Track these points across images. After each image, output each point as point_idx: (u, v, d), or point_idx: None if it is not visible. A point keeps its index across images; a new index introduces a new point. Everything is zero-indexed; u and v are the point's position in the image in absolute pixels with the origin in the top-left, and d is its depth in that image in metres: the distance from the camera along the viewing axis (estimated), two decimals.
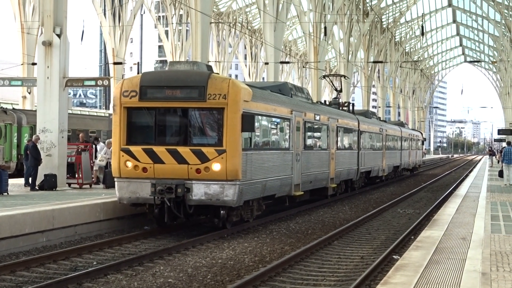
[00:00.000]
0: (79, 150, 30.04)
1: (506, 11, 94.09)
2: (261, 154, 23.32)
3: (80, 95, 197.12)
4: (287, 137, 26.23)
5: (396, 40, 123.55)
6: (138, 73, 56.53)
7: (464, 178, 54.92)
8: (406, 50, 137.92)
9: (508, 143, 41.27)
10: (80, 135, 33.49)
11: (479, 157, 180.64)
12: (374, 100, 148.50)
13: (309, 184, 29.13)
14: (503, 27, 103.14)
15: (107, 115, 58.17)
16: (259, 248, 19.31)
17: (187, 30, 78.21)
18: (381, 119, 62.37)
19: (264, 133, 24.48)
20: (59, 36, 28.72)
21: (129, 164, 21.07)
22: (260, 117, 23.04)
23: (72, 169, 29.77)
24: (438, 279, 11.75)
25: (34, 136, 28.61)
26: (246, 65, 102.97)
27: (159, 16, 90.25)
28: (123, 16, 70.94)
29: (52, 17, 28.71)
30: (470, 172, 67.73)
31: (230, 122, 20.60)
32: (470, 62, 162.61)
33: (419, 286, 11.14)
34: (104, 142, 31.55)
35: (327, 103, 41.21)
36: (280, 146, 25.73)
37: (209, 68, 22.95)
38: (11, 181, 28.33)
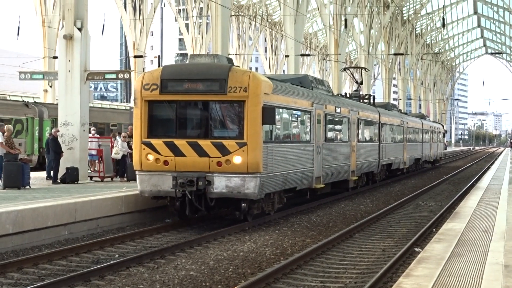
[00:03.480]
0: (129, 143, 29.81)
1: None
2: (282, 147, 23.31)
3: (101, 88, 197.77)
4: (308, 129, 26.21)
5: (417, 32, 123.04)
6: (158, 66, 56.66)
7: (486, 170, 54.68)
8: (427, 42, 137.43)
9: None
10: (129, 127, 32.61)
11: (501, 149, 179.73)
12: (395, 92, 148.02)
13: (330, 176, 29.10)
14: None
15: (128, 108, 58.34)
16: (280, 240, 19.31)
17: (207, 23, 78.19)
18: (402, 111, 62.16)
19: (285, 126, 24.47)
20: (80, 29, 28.81)
21: (151, 157, 21.12)
22: (280, 109, 23.03)
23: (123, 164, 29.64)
24: (461, 271, 11.71)
25: (53, 130, 28.75)
26: (266, 58, 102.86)
27: (180, 9, 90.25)
28: (143, 9, 70.98)
29: (73, 11, 28.81)
30: (491, 164, 67.40)
31: (251, 115, 20.59)
32: (492, 54, 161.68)
33: (441, 279, 11.11)
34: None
35: (348, 95, 41.13)
36: (301, 139, 25.72)
37: (230, 61, 22.95)
38: (33, 174, 28.48)
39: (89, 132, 31.19)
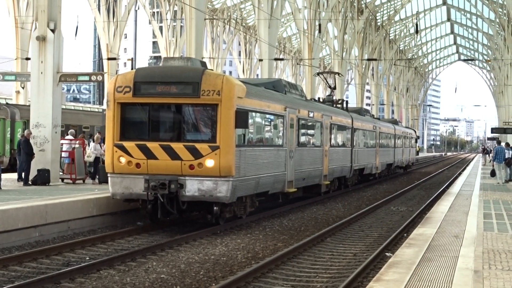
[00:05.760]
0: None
1: (500, 9, 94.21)
2: (255, 151, 23.32)
3: (73, 90, 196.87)
4: (280, 134, 26.23)
5: (390, 38, 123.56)
6: (132, 68, 56.48)
7: (457, 176, 55.00)
8: (400, 48, 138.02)
9: (498, 142, 41.37)
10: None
11: (473, 155, 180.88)
12: (368, 97, 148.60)
13: (303, 181, 29.14)
14: (497, 25, 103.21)
15: (101, 110, 58.09)
16: (252, 244, 19.32)
17: (181, 26, 78.21)
18: (375, 116, 62.39)
19: (258, 130, 24.48)
20: (53, 31, 28.66)
21: (123, 160, 21.06)
22: (254, 113, 23.04)
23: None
24: (431, 276, 11.77)
25: (26, 131, 28.58)
26: (240, 62, 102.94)
27: (154, 12, 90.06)
28: (117, 11, 70.80)
29: (46, 12, 28.64)
30: (463, 170, 67.79)
31: (224, 118, 20.60)
32: (464, 60, 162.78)
33: (411, 284, 11.16)
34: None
35: (321, 100, 41.21)
36: (273, 143, 25.75)
37: (203, 64, 22.95)
38: (4, 176, 28.29)
39: None
